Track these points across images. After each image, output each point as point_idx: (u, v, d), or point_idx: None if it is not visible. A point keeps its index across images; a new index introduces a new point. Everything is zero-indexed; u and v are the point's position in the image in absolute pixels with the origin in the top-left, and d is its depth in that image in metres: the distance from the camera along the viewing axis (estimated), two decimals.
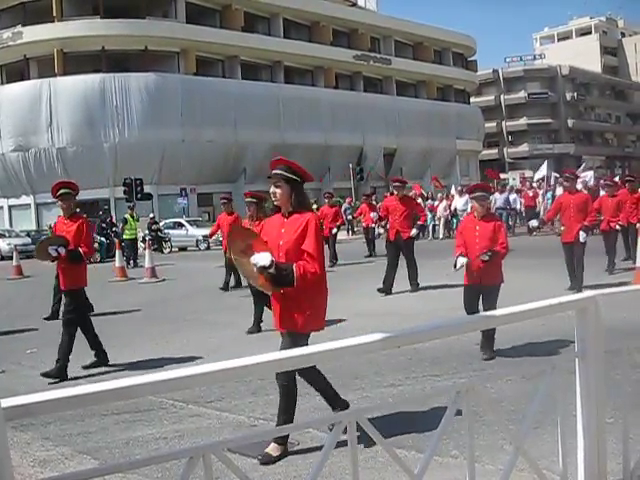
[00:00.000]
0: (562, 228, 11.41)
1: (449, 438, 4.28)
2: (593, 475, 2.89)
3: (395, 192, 12.85)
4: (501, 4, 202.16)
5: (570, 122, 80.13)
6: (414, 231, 12.45)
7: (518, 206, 27.26)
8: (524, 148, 76.31)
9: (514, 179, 46.08)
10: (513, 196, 27.11)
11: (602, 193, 18.68)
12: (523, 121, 78.54)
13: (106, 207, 39.36)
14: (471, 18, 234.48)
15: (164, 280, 16.97)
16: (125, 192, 31.79)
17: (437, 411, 5.00)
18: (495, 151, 77.03)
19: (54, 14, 41.49)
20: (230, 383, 6.16)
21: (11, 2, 42.52)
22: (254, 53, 47.56)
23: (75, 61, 41.35)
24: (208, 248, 29.90)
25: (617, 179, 20.38)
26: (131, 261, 23.56)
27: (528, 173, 28.64)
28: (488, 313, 2.75)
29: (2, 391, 6.22)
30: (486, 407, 2.76)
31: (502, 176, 27.43)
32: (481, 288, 7.38)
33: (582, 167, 31.76)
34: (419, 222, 13.56)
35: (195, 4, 45.34)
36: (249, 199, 10.32)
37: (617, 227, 13.67)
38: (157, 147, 40.40)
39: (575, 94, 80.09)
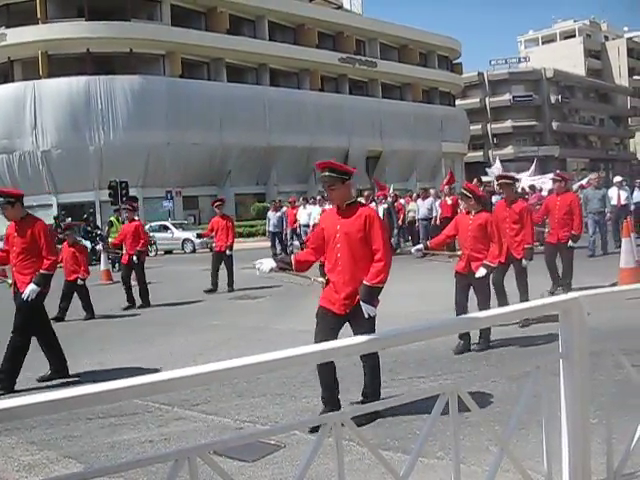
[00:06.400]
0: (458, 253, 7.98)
1: (435, 439, 4.29)
2: (577, 475, 2.91)
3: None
4: (486, 7, 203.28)
5: (555, 124, 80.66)
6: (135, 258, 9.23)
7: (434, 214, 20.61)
8: (509, 150, 76.55)
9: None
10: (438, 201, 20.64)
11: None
12: (508, 123, 78.97)
13: (91, 210, 39.16)
14: (456, 21, 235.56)
15: (150, 283, 16.90)
16: (110, 195, 31.62)
17: (422, 413, 5.03)
18: (480, 153, 77.34)
19: (38, 16, 41.29)
20: (216, 386, 6.16)
21: None
22: (239, 56, 47.52)
23: (60, 63, 41.13)
24: (194, 251, 30.26)
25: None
26: (116, 264, 23.43)
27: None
28: (472, 315, 2.76)
29: None
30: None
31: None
32: None
33: (496, 162, 25.28)
34: (138, 248, 10.91)
35: (180, 6, 45.28)
36: None
37: (523, 263, 9.01)
38: (142, 150, 40.26)
39: (559, 97, 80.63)
